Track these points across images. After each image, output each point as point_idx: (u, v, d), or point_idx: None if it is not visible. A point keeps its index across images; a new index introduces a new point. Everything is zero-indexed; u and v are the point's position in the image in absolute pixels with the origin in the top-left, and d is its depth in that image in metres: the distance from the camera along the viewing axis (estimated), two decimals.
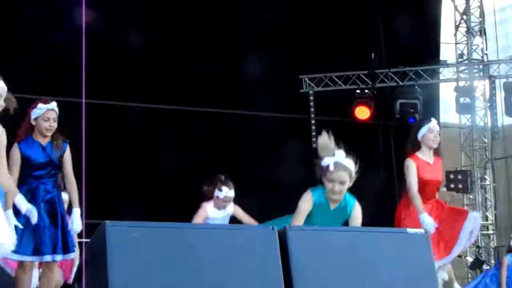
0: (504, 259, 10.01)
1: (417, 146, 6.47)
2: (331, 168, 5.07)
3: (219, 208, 7.17)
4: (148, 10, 13.07)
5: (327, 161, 5.13)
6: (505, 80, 13.83)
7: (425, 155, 6.41)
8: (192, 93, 13.33)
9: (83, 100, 5.72)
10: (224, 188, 7.15)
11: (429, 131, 6.40)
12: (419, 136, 6.45)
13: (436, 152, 6.51)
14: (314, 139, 13.90)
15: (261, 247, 4.24)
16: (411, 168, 6.31)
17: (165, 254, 4.00)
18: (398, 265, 4.68)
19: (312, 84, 14.18)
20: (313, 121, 14.00)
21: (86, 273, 4.45)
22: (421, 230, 4.85)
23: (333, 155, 5.08)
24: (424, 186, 6.35)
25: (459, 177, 14.49)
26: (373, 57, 13.83)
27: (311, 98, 14.08)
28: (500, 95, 14.15)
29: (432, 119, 6.56)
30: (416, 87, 13.74)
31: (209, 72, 13.38)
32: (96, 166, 12.37)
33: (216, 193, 7.12)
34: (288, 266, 4.29)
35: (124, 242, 4.09)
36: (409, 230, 4.88)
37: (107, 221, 4.06)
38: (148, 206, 11.57)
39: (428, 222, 6.08)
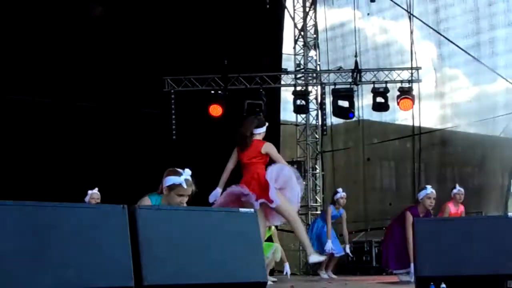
0: (329, 209, 10.50)
1: None
2: (184, 185, 5.00)
3: None
4: None
5: (178, 179, 5.02)
6: (333, 86, 14.24)
7: None
8: (60, 87, 12.75)
9: None
10: None
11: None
12: None
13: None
14: (174, 132, 13.90)
15: (112, 225, 4.13)
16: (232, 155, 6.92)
17: (21, 233, 3.77)
18: (232, 240, 4.71)
19: (173, 85, 14.15)
20: (173, 117, 13.97)
21: None
22: (251, 210, 4.92)
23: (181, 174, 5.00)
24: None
25: (295, 166, 14.73)
26: (226, 63, 13.89)
27: (172, 96, 14.06)
28: (329, 99, 14.62)
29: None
30: (261, 90, 13.85)
31: (79, 68, 12.87)
32: None
33: None
34: (137, 242, 4.19)
35: None
36: (241, 209, 4.93)
37: None
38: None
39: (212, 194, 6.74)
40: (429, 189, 7.63)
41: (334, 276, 10.95)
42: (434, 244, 5.71)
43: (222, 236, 4.55)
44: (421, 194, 7.58)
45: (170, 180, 5.03)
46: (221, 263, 4.45)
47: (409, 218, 7.46)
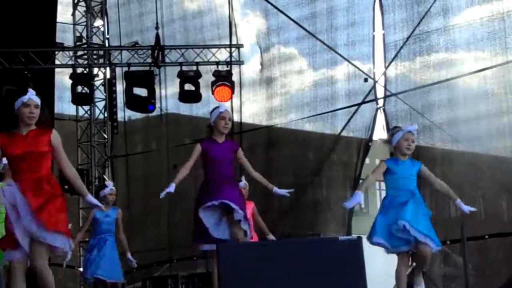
0: (90, 213, 10.42)
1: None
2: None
3: None
4: None
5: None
6: (126, 68, 14.10)
7: (20, 130, 6.37)
8: None
9: None
10: None
11: (23, 106, 6.24)
12: (15, 109, 6.35)
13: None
14: None
15: None
16: None
17: None
18: None
19: None
20: None
21: None
22: None
23: None
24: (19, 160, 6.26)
25: None
26: None
27: None
28: (121, 86, 14.42)
29: (30, 90, 6.54)
30: (26, 72, 13.51)
31: None
32: None
33: None
34: None
35: None
36: None
37: None
38: None
39: None
40: (222, 107, 7.89)
41: None
42: (239, 272, 5.94)
43: None
44: (213, 115, 7.78)
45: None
46: None
47: (195, 149, 7.72)
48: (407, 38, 13.07)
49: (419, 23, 12.91)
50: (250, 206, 9.86)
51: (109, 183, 10.62)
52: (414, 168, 7.51)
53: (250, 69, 15.10)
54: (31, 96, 6.33)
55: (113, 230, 10.26)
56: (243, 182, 9.81)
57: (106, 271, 10.07)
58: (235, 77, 14.13)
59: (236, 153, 7.75)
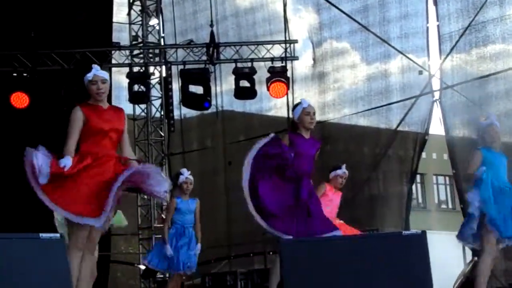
0: (171, 201, 10.18)
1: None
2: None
3: None
4: None
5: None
6: (182, 66, 14.07)
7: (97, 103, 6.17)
8: None
9: None
10: None
11: (90, 83, 6.17)
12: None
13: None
14: None
15: None
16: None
17: None
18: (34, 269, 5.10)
19: None
20: None
21: None
22: (57, 235, 5.09)
23: None
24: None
25: None
26: (33, 35, 13.44)
27: None
28: (177, 84, 14.46)
29: (94, 66, 6.36)
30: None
31: None
32: None
33: None
34: None
35: None
36: (43, 235, 5.02)
37: None
38: None
39: None
40: (305, 102, 7.63)
41: None
42: (301, 268, 5.84)
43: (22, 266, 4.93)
44: (297, 112, 7.59)
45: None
46: None
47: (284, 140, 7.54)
48: (465, 30, 12.78)
49: (476, 14, 12.67)
50: (339, 195, 9.86)
51: (184, 170, 10.28)
52: (504, 158, 7.51)
53: (302, 65, 15.00)
54: (96, 72, 6.28)
55: (192, 221, 10.04)
56: (343, 171, 9.77)
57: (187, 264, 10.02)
58: (289, 73, 14.05)
59: (317, 151, 7.50)
